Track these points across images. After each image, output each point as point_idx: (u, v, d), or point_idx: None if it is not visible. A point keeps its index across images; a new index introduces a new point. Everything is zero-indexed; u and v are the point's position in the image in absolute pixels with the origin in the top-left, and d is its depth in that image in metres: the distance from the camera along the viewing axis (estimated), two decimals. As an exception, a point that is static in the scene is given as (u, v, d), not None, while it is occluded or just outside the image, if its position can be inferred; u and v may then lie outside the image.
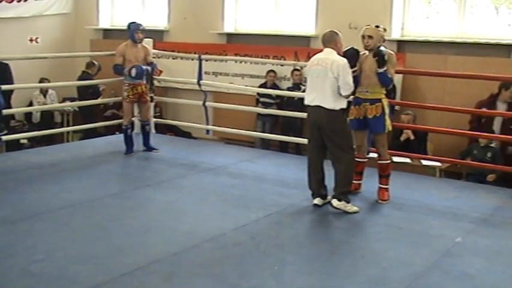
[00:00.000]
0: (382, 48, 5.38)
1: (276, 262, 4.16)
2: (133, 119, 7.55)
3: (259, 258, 4.23)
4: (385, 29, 5.55)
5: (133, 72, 6.95)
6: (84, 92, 9.80)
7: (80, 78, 9.76)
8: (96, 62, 10.08)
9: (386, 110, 5.51)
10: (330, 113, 5.14)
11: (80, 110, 10.11)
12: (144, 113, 7.42)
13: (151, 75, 7.33)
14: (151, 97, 7.57)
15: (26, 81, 9.39)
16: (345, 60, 5.19)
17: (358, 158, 5.73)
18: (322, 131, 5.21)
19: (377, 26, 5.45)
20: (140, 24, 7.15)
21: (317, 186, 5.35)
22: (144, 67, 7.03)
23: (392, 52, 5.57)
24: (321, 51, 5.36)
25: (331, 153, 5.27)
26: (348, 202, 5.20)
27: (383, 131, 5.53)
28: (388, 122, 5.51)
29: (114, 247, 4.33)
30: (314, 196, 5.35)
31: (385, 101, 5.52)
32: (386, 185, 5.64)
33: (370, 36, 5.38)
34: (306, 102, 5.32)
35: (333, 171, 5.26)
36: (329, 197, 5.33)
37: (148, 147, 7.38)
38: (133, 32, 7.08)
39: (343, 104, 5.21)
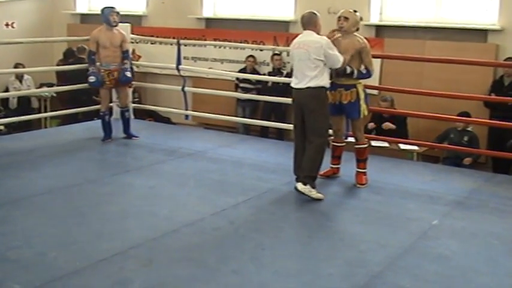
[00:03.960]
0: (348, 71, 5.35)
1: (254, 246, 4.18)
2: (111, 104, 7.49)
3: (238, 242, 4.26)
4: (361, 18, 5.53)
5: (92, 79, 6.87)
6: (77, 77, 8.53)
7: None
8: (86, 47, 9.82)
9: (362, 95, 5.50)
10: (310, 91, 5.11)
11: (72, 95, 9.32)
12: (122, 99, 7.27)
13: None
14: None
15: (1, 66, 9.26)
16: (325, 38, 5.17)
17: (335, 142, 5.81)
18: (303, 111, 5.19)
19: (355, 11, 5.43)
20: (114, 7, 6.97)
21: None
22: (99, 79, 6.83)
23: (363, 40, 5.46)
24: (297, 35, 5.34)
25: (306, 135, 5.21)
26: (314, 187, 5.13)
27: (358, 116, 5.53)
28: (363, 107, 5.50)
29: (93, 233, 4.32)
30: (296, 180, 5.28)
31: (361, 86, 5.51)
32: (364, 169, 5.66)
33: (346, 18, 5.36)
34: (292, 84, 5.30)
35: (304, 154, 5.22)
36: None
37: (128, 134, 7.27)
38: (107, 15, 6.86)
39: (323, 82, 5.14)
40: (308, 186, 5.11)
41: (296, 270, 3.85)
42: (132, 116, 8.06)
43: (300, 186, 5.13)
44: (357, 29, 5.47)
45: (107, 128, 7.13)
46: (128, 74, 7.05)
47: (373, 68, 5.51)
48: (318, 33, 5.22)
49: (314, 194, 5.11)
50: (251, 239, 4.31)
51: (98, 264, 3.81)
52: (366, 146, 5.67)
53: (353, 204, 5.18)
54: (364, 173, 5.66)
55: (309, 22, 5.24)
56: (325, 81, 5.17)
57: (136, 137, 7.26)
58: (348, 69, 5.36)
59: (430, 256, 4.11)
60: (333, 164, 5.87)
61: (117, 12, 6.93)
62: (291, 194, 5.33)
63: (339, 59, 5.17)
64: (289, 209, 5.01)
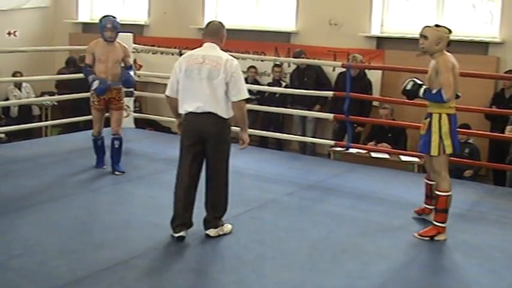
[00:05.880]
0: (408, 86, 4.78)
1: (256, 257, 4.18)
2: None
3: (240, 253, 4.25)
4: (449, 31, 4.69)
5: (96, 84, 6.01)
6: (78, 86, 8.37)
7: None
8: None
9: (436, 128, 4.57)
10: (221, 121, 4.34)
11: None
12: (113, 124, 6.25)
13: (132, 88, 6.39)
14: (131, 91, 7.42)
15: (3, 75, 9.28)
16: (236, 60, 4.39)
17: (427, 179, 5.02)
18: (207, 142, 4.37)
19: (437, 25, 4.69)
20: (111, 20, 6.04)
21: (188, 213, 4.45)
22: (108, 83, 6.01)
23: (441, 57, 4.63)
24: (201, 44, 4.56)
25: (211, 168, 4.47)
26: (223, 224, 4.53)
27: (426, 152, 4.65)
28: (435, 143, 4.57)
29: (94, 242, 4.31)
30: (179, 228, 4.38)
31: (436, 117, 4.59)
32: (439, 222, 4.60)
33: (424, 36, 4.60)
34: (188, 109, 4.36)
35: (208, 192, 4.52)
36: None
37: (113, 167, 6.20)
38: (101, 29, 6.03)
39: (232, 112, 4.43)
40: (220, 227, 4.49)
41: (297, 282, 3.84)
42: (132, 125, 8.07)
43: (212, 232, 4.45)
44: (448, 44, 4.67)
45: (100, 153, 6.32)
46: (131, 73, 6.23)
47: (448, 89, 4.47)
48: (221, 49, 4.47)
49: (227, 229, 4.55)
50: (252, 250, 4.30)
51: (99, 273, 3.80)
52: (444, 194, 4.60)
53: (355, 216, 5.17)
54: (437, 228, 4.59)
55: (216, 33, 4.47)
56: (231, 110, 4.40)
57: (121, 172, 6.17)
58: (409, 85, 4.73)
59: (432, 268, 4.11)
60: (427, 204, 5.02)
61: (113, 27, 6.03)
62: (292, 205, 5.34)
63: (245, 92, 4.39)
64: (290, 220, 4.99)
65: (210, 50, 4.40)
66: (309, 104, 8.44)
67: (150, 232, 4.54)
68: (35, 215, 4.84)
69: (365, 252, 4.32)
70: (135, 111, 8.63)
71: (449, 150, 4.57)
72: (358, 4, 8.64)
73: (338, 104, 7.48)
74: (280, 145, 8.84)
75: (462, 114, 7.27)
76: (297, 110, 8.27)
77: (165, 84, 9.67)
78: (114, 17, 6.15)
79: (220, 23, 4.59)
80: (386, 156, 7.52)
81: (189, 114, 4.38)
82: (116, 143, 6.20)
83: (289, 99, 8.76)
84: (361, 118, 7.57)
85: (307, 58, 8.59)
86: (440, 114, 4.57)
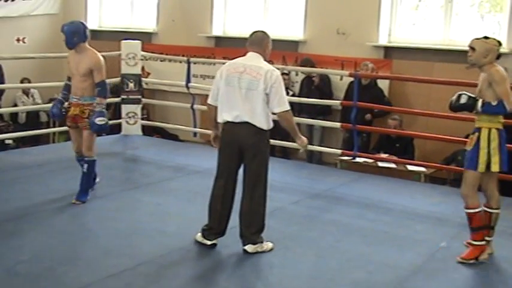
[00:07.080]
0: (462, 100, 4.42)
1: (262, 265, 4.18)
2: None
3: (247, 261, 4.25)
4: (499, 43, 4.42)
5: (51, 108, 5.59)
6: None
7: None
8: None
9: (484, 143, 4.31)
10: (259, 132, 4.29)
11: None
12: (83, 144, 5.43)
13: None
14: (139, 99, 7.43)
15: (11, 81, 9.34)
16: (278, 71, 4.32)
17: (485, 207, 4.60)
18: (244, 153, 4.32)
19: (486, 37, 4.42)
20: (64, 25, 5.43)
21: (223, 224, 4.45)
22: (56, 111, 5.45)
23: (494, 68, 4.34)
24: (244, 54, 4.46)
25: (247, 181, 4.39)
26: (263, 241, 4.40)
27: (472, 168, 4.35)
28: (483, 160, 4.30)
29: (101, 249, 4.33)
30: (213, 236, 4.43)
31: (485, 132, 4.34)
32: (476, 240, 4.39)
33: (472, 48, 4.36)
34: (227, 118, 4.31)
35: (243, 205, 4.41)
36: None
37: (77, 198, 5.32)
38: None
39: (271, 123, 4.39)
40: (259, 244, 4.38)
41: (304, 290, 3.84)
42: (140, 133, 8.07)
43: (250, 248, 4.34)
44: (498, 57, 4.38)
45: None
46: (100, 120, 5.23)
47: (509, 99, 4.25)
48: (265, 59, 4.39)
49: (266, 247, 4.41)
50: (259, 258, 4.30)
51: (105, 280, 3.81)
52: (472, 211, 4.42)
53: (361, 225, 5.17)
54: (479, 248, 4.39)
55: (260, 43, 4.40)
56: (271, 122, 4.38)
57: (81, 201, 5.32)
58: (463, 99, 4.41)
59: (438, 278, 4.10)
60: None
61: (62, 32, 5.36)
62: (299, 214, 5.34)
63: (286, 103, 4.30)
64: (297, 228, 5.00)
65: (253, 59, 4.33)
66: (316, 112, 8.45)
67: (157, 239, 4.55)
68: (43, 221, 4.87)
69: (371, 261, 4.32)
70: (142, 119, 8.66)
71: (495, 167, 4.33)
72: (365, 13, 8.65)
73: (348, 113, 7.46)
74: (286, 154, 8.84)
75: (469, 124, 7.27)
76: (304, 119, 8.27)
77: (173, 92, 9.89)
78: (80, 23, 5.54)
79: (264, 32, 4.48)
80: (393, 165, 7.52)
81: (227, 123, 4.33)
82: (84, 166, 5.41)
83: (297, 107, 8.76)
84: (368, 127, 7.58)
85: (315, 67, 8.59)
86: (490, 129, 4.34)
